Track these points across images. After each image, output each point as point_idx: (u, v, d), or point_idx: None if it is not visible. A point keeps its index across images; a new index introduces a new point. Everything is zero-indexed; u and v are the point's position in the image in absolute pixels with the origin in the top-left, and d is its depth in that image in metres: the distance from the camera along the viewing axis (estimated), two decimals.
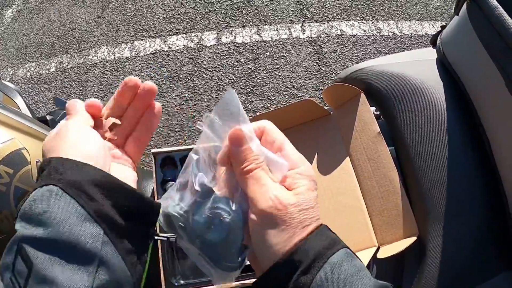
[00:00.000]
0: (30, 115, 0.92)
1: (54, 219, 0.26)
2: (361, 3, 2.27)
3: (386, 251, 0.53)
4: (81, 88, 2.03)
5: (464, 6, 0.55)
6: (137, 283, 0.30)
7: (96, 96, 1.97)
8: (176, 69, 2.02)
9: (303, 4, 2.28)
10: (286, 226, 0.29)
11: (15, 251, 0.26)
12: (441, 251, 0.51)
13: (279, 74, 1.95)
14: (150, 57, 2.09)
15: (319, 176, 0.66)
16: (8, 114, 0.66)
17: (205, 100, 1.89)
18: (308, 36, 2.11)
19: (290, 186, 0.31)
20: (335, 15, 2.21)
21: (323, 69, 1.96)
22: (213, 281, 0.34)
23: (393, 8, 2.24)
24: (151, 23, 2.27)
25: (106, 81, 2.04)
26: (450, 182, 0.53)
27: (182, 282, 0.64)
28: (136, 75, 2.02)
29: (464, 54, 0.57)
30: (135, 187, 0.33)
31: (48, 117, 1.03)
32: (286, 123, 0.71)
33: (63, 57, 2.20)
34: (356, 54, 2.01)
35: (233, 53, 2.06)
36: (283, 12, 2.25)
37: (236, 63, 2.02)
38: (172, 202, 0.33)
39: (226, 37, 2.14)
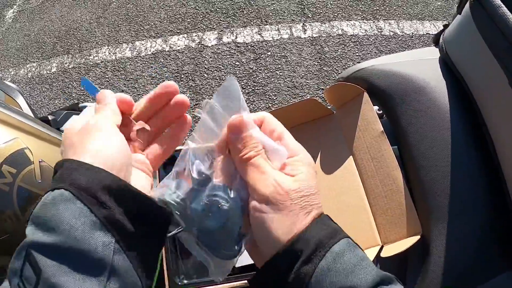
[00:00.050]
0: (32, 115, 0.92)
1: (64, 225, 0.25)
2: (362, 3, 2.26)
3: (390, 250, 0.53)
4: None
5: (467, 5, 0.55)
6: None
7: None
8: (178, 69, 2.02)
9: (304, 4, 2.28)
10: (288, 211, 0.29)
11: (23, 256, 0.25)
12: (444, 250, 0.51)
13: (281, 74, 1.95)
14: (152, 57, 2.09)
15: (322, 176, 0.66)
16: (10, 113, 0.66)
17: None
18: (309, 36, 2.11)
19: (290, 173, 0.31)
20: (336, 14, 2.21)
21: (324, 68, 1.96)
22: (210, 272, 0.33)
23: (394, 7, 2.23)
24: (152, 23, 2.27)
25: (108, 81, 2.04)
26: (453, 181, 0.53)
27: (185, 281, 0.64)
28: (137, 75, 2.03)
29: (467, 53, 0.57)
30: (151, 195, 0.32)
31: (50, 117, 1.03)
32: (289, 122, 0.71)
33: (64, 57, 2.20)
34: (357, 54, 2.01)
35: (235, 53, 2.06)
36: (284, 12, 2.25)
37: (237, 63, 2.02)
38: (169, 190, 0.32)
39: (227, 37, 2.14)
